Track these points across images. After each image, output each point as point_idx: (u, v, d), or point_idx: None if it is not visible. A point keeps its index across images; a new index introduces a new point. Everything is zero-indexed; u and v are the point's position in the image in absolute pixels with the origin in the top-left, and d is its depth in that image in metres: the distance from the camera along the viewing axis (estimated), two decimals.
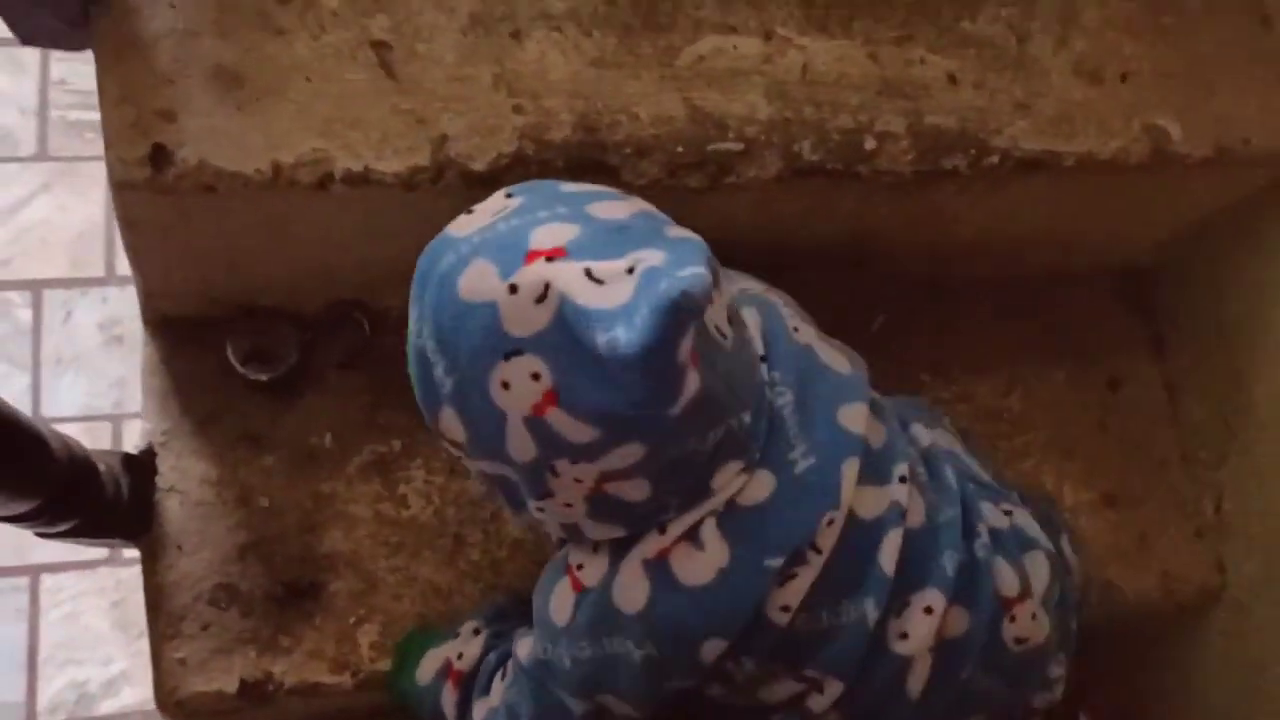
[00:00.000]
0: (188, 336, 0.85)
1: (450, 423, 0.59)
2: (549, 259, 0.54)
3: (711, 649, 0.61)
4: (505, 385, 0.55)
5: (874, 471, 0.64)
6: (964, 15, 0.84)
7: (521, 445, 0.56)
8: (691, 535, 0.60)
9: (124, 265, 1.55)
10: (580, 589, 0.62)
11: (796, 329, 0.68)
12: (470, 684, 0.73)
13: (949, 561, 0.64)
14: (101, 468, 0.75)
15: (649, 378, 0.52)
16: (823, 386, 0.65)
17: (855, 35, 0.82)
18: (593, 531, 0.61)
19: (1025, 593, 0.67)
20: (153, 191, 0.69)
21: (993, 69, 0.83)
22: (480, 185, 0.73)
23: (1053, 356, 1.01)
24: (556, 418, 0.54)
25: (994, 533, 0.69)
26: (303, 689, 0.79)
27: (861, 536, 0.63)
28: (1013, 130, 0.81)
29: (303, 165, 0.70)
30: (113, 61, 0.70)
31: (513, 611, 0.77)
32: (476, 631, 0.75)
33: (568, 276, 0.53)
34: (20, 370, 1.50)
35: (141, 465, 0.80)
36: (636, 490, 0.58)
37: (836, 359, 0.68)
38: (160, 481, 0.82)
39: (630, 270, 0.53)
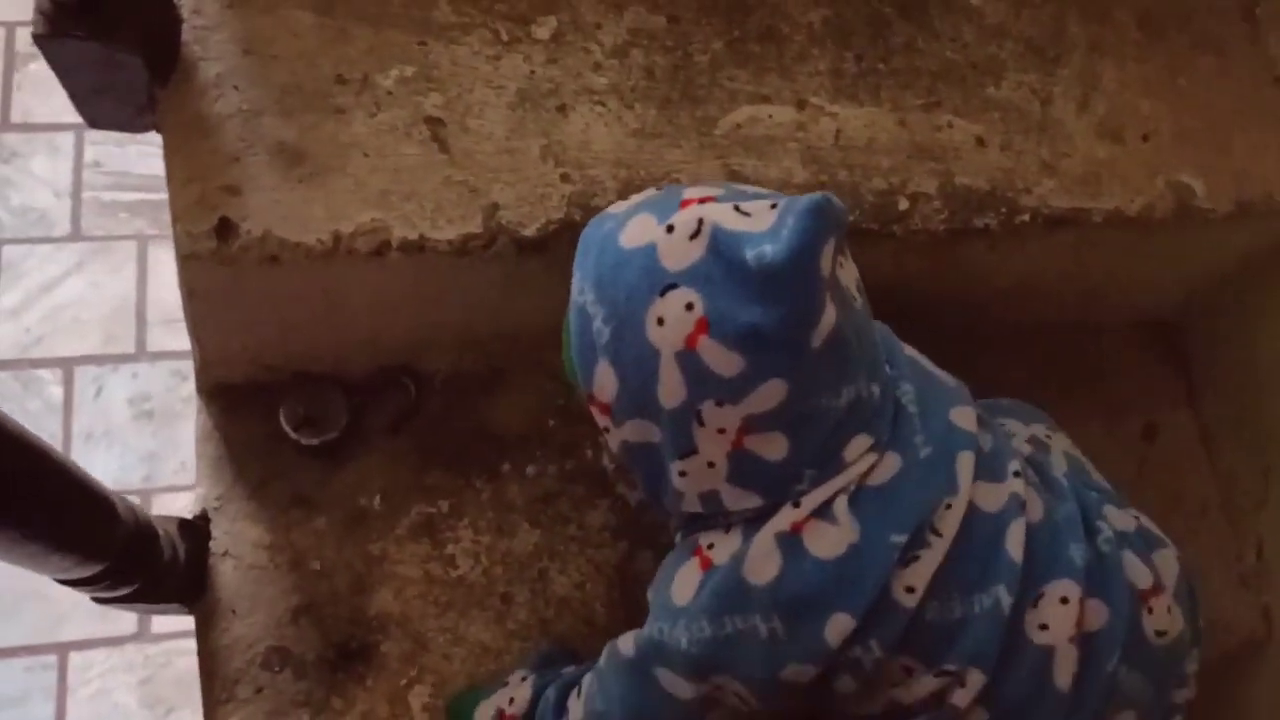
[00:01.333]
0: (241, 403, 0.89)
1: (604, 378, 0.63)
2: (701, 202, 0.61)
3: (838, 626, 0.63)
4: (660, 321, 0.60)
5: (988, 469, 0.68)
6: (988, 82, 0.89)
7: (672, 387, 0.60)
8: (824, 511, 0.63)
9: (155, 341, 1.60)
10: (709, 566, 0.65)
11: (903, 345, 0.73)
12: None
13: (1076, 554, 0.67)
14: (160, 533, 0.79)
15: (794, 288, 0.57)
16: (935, 389, 0.70)
17: (884, 103, 0.87)
18: (731, 499, 0.64)
19: (1158, 586, 0.70)
20: (218, 262, 0.74)
21: (1018, 131, 0.88)
22: (531, 250, 0.77)
23: (1088, 407, 1.04)
24: (707, 348, 0.59)
25: (1120, 533, 0.72)
26: None
27: (986, 527, 0.66)
28: (1041, 189, 0.86)
29: (361, 234, 0.75)
30: (180, 141, 0.75)
31: (559, 658, 0.80)
32: (524, 679, 0.78)
33: (719, 212, 0.60)
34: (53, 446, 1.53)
35: (196, 530, 0.84)
36: (775, 447, 0.62)
37: (941, 372, 0.74)
38: (214, 546, 0.85)
39: (773, 206, 0.60)
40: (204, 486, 0.87)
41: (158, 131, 0.77)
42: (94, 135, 1.67)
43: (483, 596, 0.87)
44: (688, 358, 0.60)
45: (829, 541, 0.63)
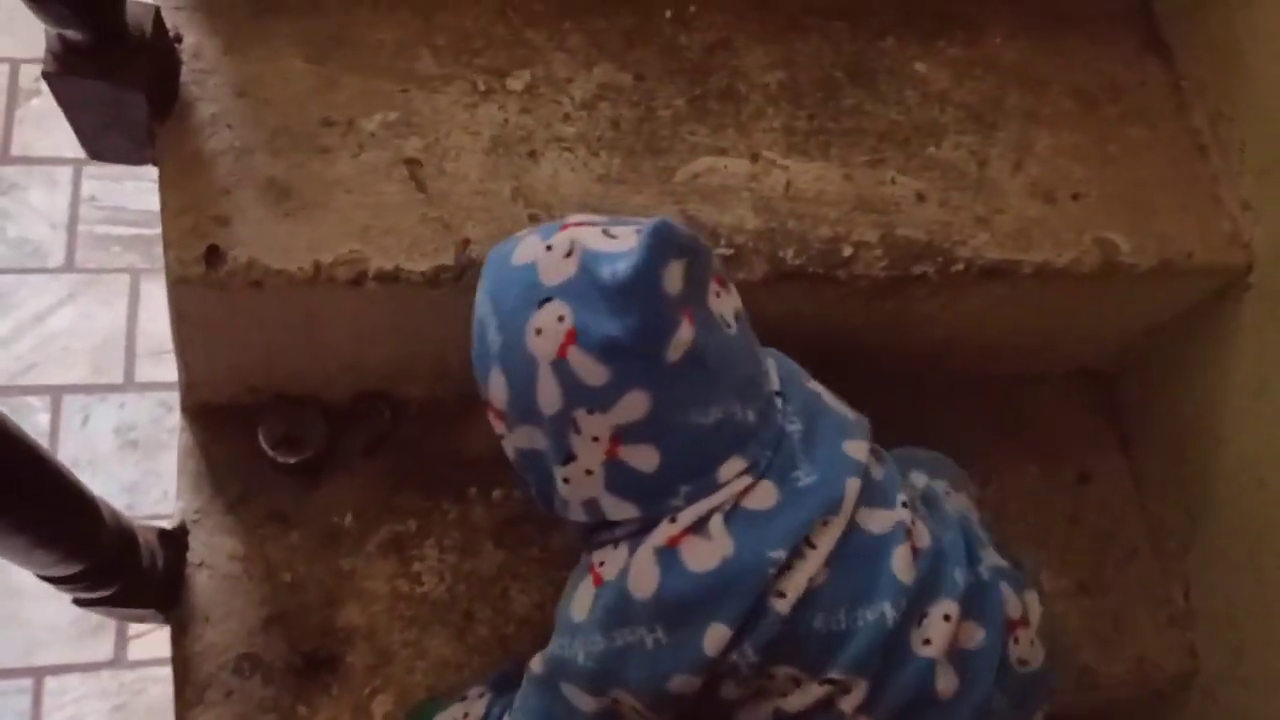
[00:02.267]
0: (223, 423, 0.93)
1: (497, 385, 0.69)
2: (578, 226, 0.68)
3: (715, 636, 0.67)
4: (538, 331, 0.65)
5: (877, 496, 0.73)
6: (930, 142, 0.96)
7: (549, 394, 0.66)
8: (699, 527, 0.67)
9: (143, 372, 1.63)
10: (601, 583, 0.70)
11: (808, 381, 0.78)
12: None
13: (959, 576, 0.72)
14: (141, 540, 0.83)
15: (641, 303, 0.63)
16: (828, 422, 0.75)
17: (833, 159, 0.93)
18: (611, 508, 0.68)
19: (1025, 620, 0.75)
20: (206, 287, 0.79)
21: (956, 189, 0.94)
22: None
23: (1025, 452, 1.09)
24: (576, 357, 0.64)
25: (997, 567, 0.77)
26: None
27: (871, 548, 0.71)
28: (975, 242, 0.92)
29: (341, 264, 0.80)
30: (175, 174, 0.80)
31: (518, 678, 0.84)
32: (481, 695, 0.82)
33: (590, 234, 0.67)
34: None
35: (175, 541, 0.88)
36: (646, 459, 0.67)
37: (842, 407, 0.78)
38: (191, 557, 0.89)
39: (639, 231, 0.66)
40: (184, 500, 0.91)
41: (154, 165, 0.82)
42: (91, 170, 1.71)
43: (446, 613, 0.91)
44: (561, 366, 0.65)
45: (704, 555, 0.67)
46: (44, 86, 0.76)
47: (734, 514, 0.68)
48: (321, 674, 0.87)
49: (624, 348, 0.64)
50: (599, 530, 0.71)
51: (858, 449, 0.73)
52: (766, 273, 0.87)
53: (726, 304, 0.71)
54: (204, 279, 0.78)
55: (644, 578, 0.68)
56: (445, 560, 0.93)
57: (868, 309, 0.95)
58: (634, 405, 0.65)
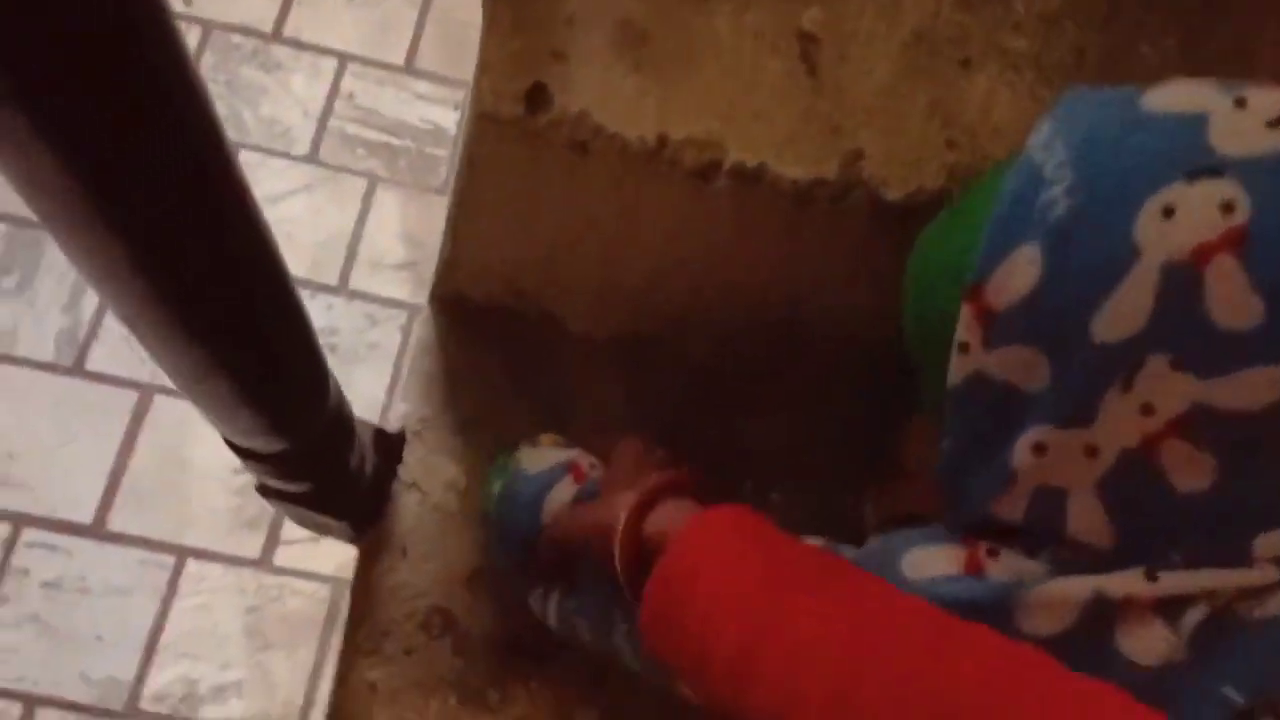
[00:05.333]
0: (473, 322, 0.72)
1: (1018, 269, 0.42)
2: None
3: None
4: (1169, 212, 0.39)
5: None
6: None
7: (1128, 312, 0.40)
8: (1171, 608, 0.42)
9: (357, 280, 1.49)
10: (976, 571, 0.45)
11: None
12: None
13: None
14: (356, 437, 0.62)
15: None
16: None
17: None
18: (1081, 520, 0.43)
19: None
20: (518, 134, 0.58)
21: None
22: (887, 217, 0.59)
23: None
24: (1224, 274, 0.38)
25: None
26: None
27: None
28: None
29: (691, 145, 0.58)
30: None
31: None
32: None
33: None
34: None
35: (391, 447, 0.67)
36: (1194, 474, 0.41)
37: None
38: (403, 473, 0.68)
39: None
40: (409, 404, 0.70)
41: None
42: (356, 68, 1.59)
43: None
44: (1181, 277, 0.39)
45: (1148, 645, 0.42)
46: None
47: (1225, 614, 0.42)
48: (524, 660, 0.65)
49: None
50: (1006, 531, 0.46)
51: None
52: None
53: None
54: (519, 123, 0.57)
55: (1051, 619, 0.43)
56: None
57: None
58: (1263, 389, 0.39)
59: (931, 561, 0.46)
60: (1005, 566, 0.45)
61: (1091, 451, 0.42)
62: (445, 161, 1.52)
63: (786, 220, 0.60)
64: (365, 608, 0.64)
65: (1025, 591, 0.43)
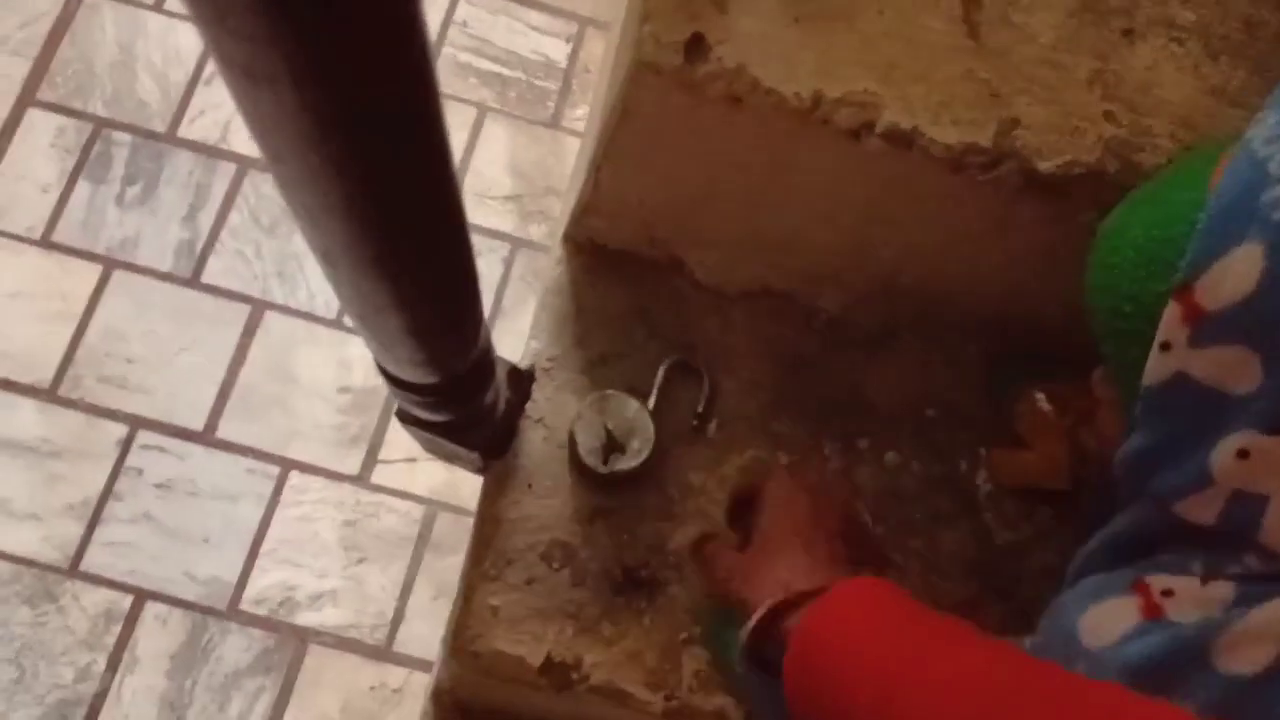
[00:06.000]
0: (607, 266, 0.73)
1: (1235, 270, 0.40)
2: None
3: None
4: None
5: None
6: None
7: None
8: None
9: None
10: (1157, 616, 0.43)
11: None
12: None
13: None
14: (495, 372, 0.63)
15: None
16: None
17: None
18: (1277, 525, 0.41)
19: None
20: (674, 83, 0.58)
21: None
22: (1038, 189, 0.58)
23: None
24: None
25: None
26: (608, 691, 0.65)
27: None
28: None
29: (847, 104, 0.57)
30: None
31: None
32: None
33: None
34: None
35: (522, 383, 0.69)
36: None
37: None
38: (531, 409, 0.69)
39: None
40: (540, 341, 0.71)
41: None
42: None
43: None
44: None
45: None
46: None
47: None
48: (639, 596, 0.67)
49: None
50: (1171, 543, 0.45)
51: None
52: None
53: None
54: (677, 72, 0.57)
55: (1255, 653, 0.41)
56: None
57: None
58: None
59: (1109, 621, 0.45)
60: (1185, 603, 0.43)
61: None
62: (554, 94, 1.51)
63: (935, 186, 0.59)
64: (491, 536, 0.67)
65: (1220, 630, 0.41)
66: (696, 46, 0.57)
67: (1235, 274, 0.40)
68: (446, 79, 1.56)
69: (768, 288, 0.73)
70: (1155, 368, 0.43)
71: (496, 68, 1.57)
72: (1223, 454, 0.42)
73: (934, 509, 0.71)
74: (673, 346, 0.72)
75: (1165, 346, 0.43)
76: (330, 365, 1.39)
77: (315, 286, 1.41)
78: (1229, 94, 0.59)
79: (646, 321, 0.72)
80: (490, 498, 0.68)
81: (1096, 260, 0.47)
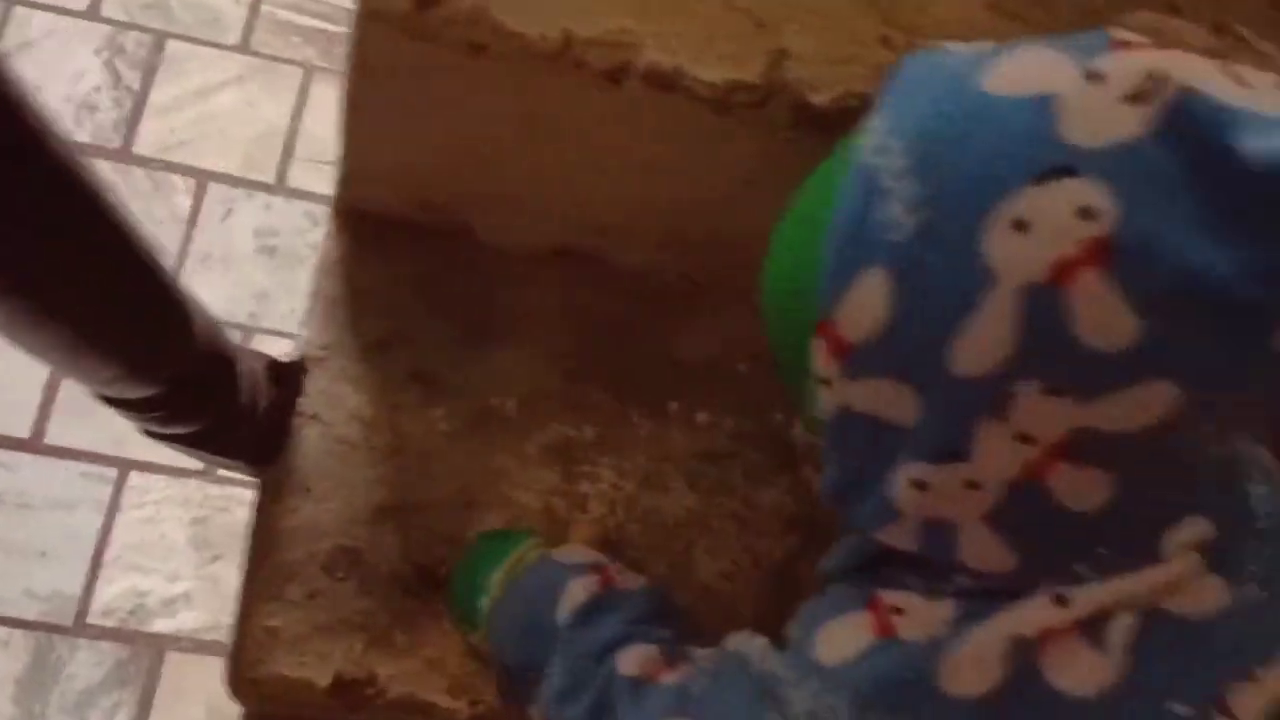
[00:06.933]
0: (380, 238, 0.66)
1: (866, 298, 0.36)
2: (1153, 48, 0.34)
3: None
4: (1020, 226, 0.33)
5: None
6: None
7: (988, 343, 0.34)
8: (1093, 627, 0.38)
9: (295, 177, 1.41)
10: (888, 635, 0.41)
11: None
12: (624, 602, 0.54)
13: None
14: (241, 368, 0.56)
15: None
16: None
17: None
18: (974, 549, 0.39)
19: None
20: (409, 33, 0.51)
21: None
22: (812, 126, 0.53)
23: None
24: (1092, 293, 0.32)
25: None
26: (408, 705, 0.59)
27: None
28: None
29: (599, 45, 0.51)
30: None
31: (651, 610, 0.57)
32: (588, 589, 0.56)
33: (1195, 66, 0.33)
34: (164, 258, 1.34)
35: (289, 378, 0.62)
36: (1089, 493, 0.36)
37: None
38: (304, 405, 0.63)
39: None
40: (310, 330, 0.64)
41: None
42: None
43: (609, 558, 0.64)
44: (1044, 300, 0.33)
45: (1080, 673, 0.39)
46: None
47: (1153, 618, 0.38)
48: (435, 596, 0.61)
49: (1223, 303, 0.32)
50: (905, 560, 0.42)
51: None
52: None
53: None
54: (409, 20, 0.50)
55: (976, 674, 0.38)
56: (621, 488, 0.66)
57: None
58: (1148, 404, 0.34)
59: (843, 638, 0.42)
60: (915, 622, 0.40)
61: (973, 485, 0.37)
62: None
63: (705, 127, 0.53)
64: (266, 550, 0.60)
65: (942, 651, 0.39)
66: None
67: (866, 304, 0.36)
68: (269, 38, 1.45)
69: (564, 248, 0.67)
70: (822, 402, 0.40)
71: (321, 24, 1.46)
72: (900, 487, 0.39)
73: (750, 465, 0.66)
74: (463, 322, 0.65)
75: (825, 382, 0.39)
76: None
77: None
78: (1008, 8, 0.55)
79: (431, 297, 0.66)
80: (264, 508, 0.61)
81: (762, 290, 0.42)
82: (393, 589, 0.61)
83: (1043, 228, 0.33)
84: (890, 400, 0.38)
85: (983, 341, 0.34)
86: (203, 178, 1.40)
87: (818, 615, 0.44)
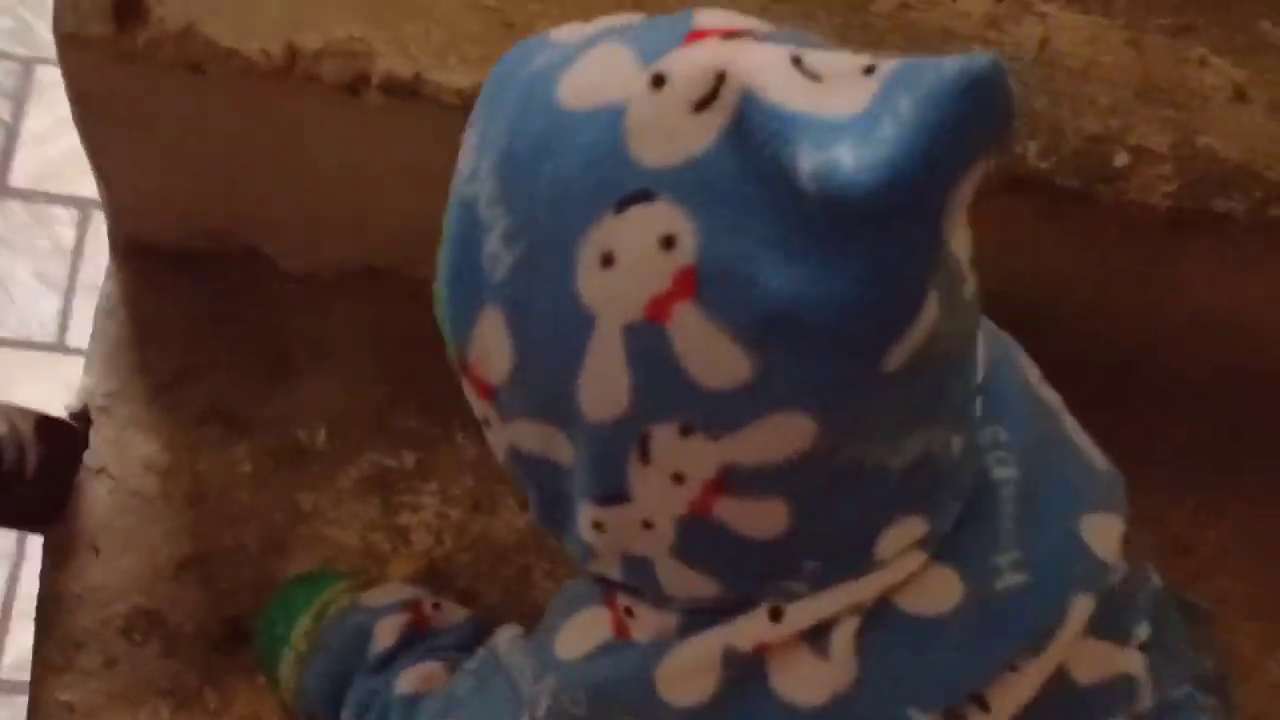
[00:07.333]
0: (163, 270, 0.62)
1: (492, 337, 0.33)
2: (727, 37, 0.30)
3: None
4: (607, 260, 0.30)
5: (1110, 623, 0.39)
6: (1265, 13, 0.59)
7: (608, 387, 0.31)
8: (817, 636, 0.36)
9: None
10: (623, 637, 0.39)
11: (1038, 382, 0.42)
12: (434, 640, 0.53)
13: None
14: (1, 429, 0.52)
15: (889, 245, 0.27)
16: (1064, 477, 0.40)
17: (1116, 15, 0.57)
18: (675, 580, 0.36)
19: None
20: (113, 58, 0.46)
21: None
22: None
23: (1271, 482, 0.74)
24: (689, 326, 0.29)
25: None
26: None
27: (1072, 710, 0.39)
28: None
29: (330, 56, 0.47)
30: None
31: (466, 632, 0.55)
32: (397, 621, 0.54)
33: (762, 63, 0.28)
34: (53, 292, 1.29)
35: (64, 433, 0.58)
36: (766, 521, 0.33)
37: (1087, 445, 0.42)
38: (89, 458, 0.59)
39: (869, 70, 0.28)
40: (92, 376, 0.60)
41: None
42: None
43: (437, 590, 0.60)
44: (647, 338, 0.30)
45: (807, 682, 0.36)
46: None
47: (878, 620, 0.36)
48: (245, 651, 0.57)
49: (813, 332, 0.28)
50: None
51: (1106, 536, 0.39)
52: (989, 175, 0.52)
53: (962, 242, 0.34)
54: (110, 44, 0.46)
55: (688, 684, 0.37)
56: (448, 516, 0.62)
57: (1114, 254, 0.60)
58: (783, 436, 0.30)
59: (583, 633, 0.40)
60: (645, 625, 0.38)
61: (647, 524, 0.34)
62: None
63: (455, 134, 0.49)
64: (53, 619, 0.56)
65: (659, 659, 0.37)
66: (129, 8, 0.46)
67: (491, 346, 0.33)
68: None
69: (368, 266, 0.63)
70: (492, 443, 0.38)
71: None
72: (583, 528, 0.36)
73: None
74: (263, 352, 0.61)
75: (487, 423, 0.37)
76: (58, 392, 1.25)
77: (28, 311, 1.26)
78: None
79: (226, 328, 0.62)
80: (49, 572, 0.57)
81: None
82: (199, 647, 0.57)
83: (628, 262, 0.29)
84: (547, 442, 0.35)
85: (601, 387, 0.31)
86: (85, 207, 1.35)
87: (562, 608, 0.42)
